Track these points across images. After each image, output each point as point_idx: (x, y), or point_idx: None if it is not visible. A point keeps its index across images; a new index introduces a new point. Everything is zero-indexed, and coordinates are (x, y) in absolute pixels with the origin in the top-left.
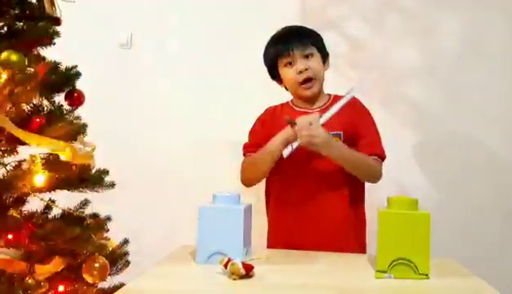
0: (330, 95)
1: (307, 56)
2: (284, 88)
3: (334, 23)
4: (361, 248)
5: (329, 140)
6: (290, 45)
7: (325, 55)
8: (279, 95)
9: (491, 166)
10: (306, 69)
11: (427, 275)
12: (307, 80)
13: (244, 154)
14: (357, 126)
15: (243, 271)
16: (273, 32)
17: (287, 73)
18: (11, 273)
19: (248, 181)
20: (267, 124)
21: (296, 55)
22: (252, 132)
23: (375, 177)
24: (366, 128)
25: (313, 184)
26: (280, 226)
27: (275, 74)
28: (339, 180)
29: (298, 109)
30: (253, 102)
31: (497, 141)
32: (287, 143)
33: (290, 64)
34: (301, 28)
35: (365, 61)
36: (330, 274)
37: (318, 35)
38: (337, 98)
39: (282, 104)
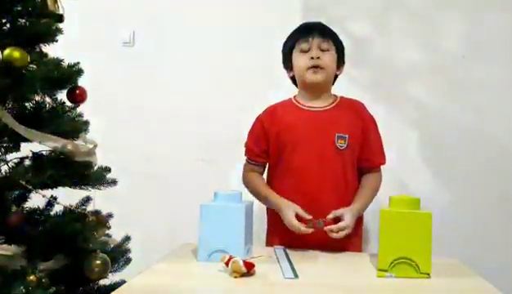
0: (336, 95)
1: (323, 50)
2: (290, 80)
3: (337, 22)
4: (358, 247)
5: (355, 218)
6: (312, 33)
7: (340, 60)
8: (281, 95)
9: (495, 165)
10: (318, 58)
11: (428, 274)
12: (316, 66)
13: (245, 155)
14: (362, 132)
15: (244, 269)
16: (275, 31)
17: (300, 58)
18: (12, 270)
19: (246, 189)
20: (267, 124)
21: (314, 43)
22: (251, 133)
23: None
24: (371, 137)
25: (314, 183)
26: (279, 224)
27: (288, 61)
28: (340, 179)
29: (301, 106)
30: (256, 101)
31: (500, 141)
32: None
33: (306, 51)
34: (327, 26)
35: (368, 60)
36: (331, 273)
37: (341, 41)
38: (343, 99)
39: (283, 102)
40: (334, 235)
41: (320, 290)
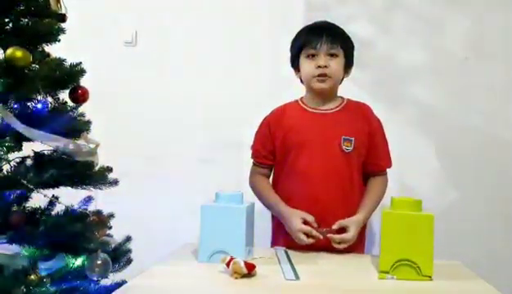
0: (342, 98)
1: (331, 55)
2: (299, 80)
3: (339, 22)
4: (361, 248)
5: (359, 229)
6: (320, 39)
7: (349, 63)
8: (284, 96)
9: (497, 167)
10: (325, 66)
11: (430, 277)
12: (322, 75)
13: (252, 157)
14: (369, 135)
15: (245, 270)
16: (278, 31)
17: (306, 64)
18: (13, 269)
19: (253, 193)
20: (274, 126)
21: (321, 50)
22: (257, 135)
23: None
24: (378, 140)
25: (319, 184)
26: (283, 226)
27: (295, 63)
28: (346, 182)
29: (308, 108)
30: (258, 101)
31: (503, 143)
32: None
33: (313, 56)
34: (337, 27)
35: (370, 61)
36: (333, 275)
37: (351, 42)
38: (350, 102)
39: (290, 103)
40: (336, 246)
41: (321, 291)
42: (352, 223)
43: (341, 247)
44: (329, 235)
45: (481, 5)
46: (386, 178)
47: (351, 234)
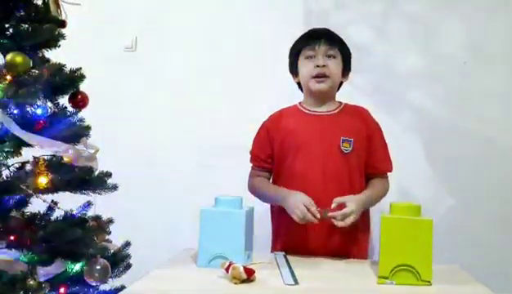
0: (340, 102)
1: (329, 56)
2: (297, 85)
3: (337, 27)
4: (364, 254)
5: (360, 207)
6: (319, 40)
7: (347, 68)
8: (283, 100)
9: (496, 171)
10: (324, 66)
11: (429, 282)
12: (321, 75)
13: (250, 162)
14: (367, 138)
15: (244, 275)
16: (277, 38)
17: (305, 65)
18: (12, 274)
19: (253, 195)
20: (272, 130)
21: (320, 51)
22: (256, 139)
23: (385, 195)
24: (377, 143)
25: (318, 185)
26: (285, 230)
27: (294, 67)
28: (346, 185)
29: (306, 111)
30: (258, 106)
31: (502, 147)
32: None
33: (311, 58)
34: (335, 33)
35: (369, 66)
36: (332, 280)
37: (348, 48)
38: (348, 106)
39: (289, 108)
40: (340, 224)
41: None
42: (350, 199)
43: (344, 224)
44: (330, 214)
45: (479, 9)
46: (387, 181)
47: (351, 207)
